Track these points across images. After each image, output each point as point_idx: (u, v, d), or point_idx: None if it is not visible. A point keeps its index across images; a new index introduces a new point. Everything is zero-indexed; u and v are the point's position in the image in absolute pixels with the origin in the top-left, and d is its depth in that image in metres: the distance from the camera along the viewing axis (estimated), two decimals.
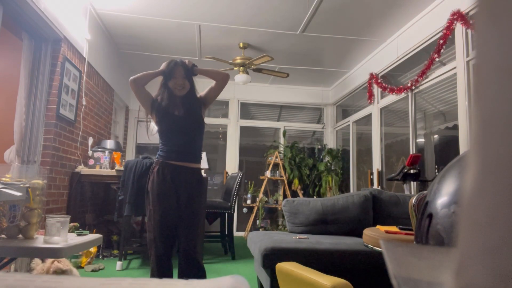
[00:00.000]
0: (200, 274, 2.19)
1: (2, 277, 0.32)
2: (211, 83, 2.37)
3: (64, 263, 2.45)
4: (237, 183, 4.30)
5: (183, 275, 2.17)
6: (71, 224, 3.05)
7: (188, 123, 2.24)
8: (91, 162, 4.08)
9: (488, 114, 0.18)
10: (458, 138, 3.39)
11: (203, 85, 2.45)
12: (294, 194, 6.18)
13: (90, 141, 4.20)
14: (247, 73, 4.91)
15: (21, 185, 1.67)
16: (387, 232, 1.83)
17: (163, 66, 2.28)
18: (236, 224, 6.14)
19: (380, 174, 4.97)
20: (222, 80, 2.33)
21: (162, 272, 2.15)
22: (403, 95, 4.40)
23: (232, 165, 6.53)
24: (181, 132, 2.22)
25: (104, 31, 4.59)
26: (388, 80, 4.88)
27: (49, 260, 2.43)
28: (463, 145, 3.32)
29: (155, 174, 2.18)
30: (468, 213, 0.19)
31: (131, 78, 2.25)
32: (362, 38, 4.64)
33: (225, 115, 6.74)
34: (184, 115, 2.25)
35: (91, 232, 3.13)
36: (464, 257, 0.19)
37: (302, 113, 7.04)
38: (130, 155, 6.31)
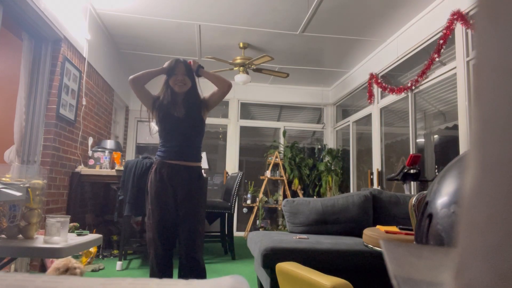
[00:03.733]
0: (200, 274, 2.19)
1: (2, 277, 0.32)
2: (214, 86, 2.37)
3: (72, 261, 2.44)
4: (237, 183, 4.30)
5: (183, 275, 2.17)
6: (71, 224, 3.05)
7: (188, 124, 2.24)
8: (91, 162, 4.08)
9: (488, 114, 0.18)
10: (458, 138, 3.39)
11: (205, 87, 2.45)
12: (294, 194, 6.18)
13: (90, 141, 4.20)
14: (247, 73, 4.91)
15: (21, 185, 1.67)
16: (387, 232, 1.83)
17: (165, 65, 2.28)
18: (236, 224, 6.14)
19: (380, 174, 4.97)
20: (224, 88, 2.31)
21: (162, 272, 2.15)
22: (403, 95, 4.40)
23: (232, 165, 6.53)
24: (181, 133, 2.22)
25: (104, 31, 4.59)
26: (388, 80, 4.88)
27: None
28: (463, 145, 3.32)
29: (153, 174, 2.19)
30: (468, 213, 0.19)
31: (131, 77, 2.24)
32: (362, 38, 4.64)
33: (225, 115, 6.74)
34: (184, 115, 2.24)
35: (91, 232, 3.13)
36: (464, 257, 0.19)
37: (302, 113, 7.04)
38: (130, 155, 6.31)
